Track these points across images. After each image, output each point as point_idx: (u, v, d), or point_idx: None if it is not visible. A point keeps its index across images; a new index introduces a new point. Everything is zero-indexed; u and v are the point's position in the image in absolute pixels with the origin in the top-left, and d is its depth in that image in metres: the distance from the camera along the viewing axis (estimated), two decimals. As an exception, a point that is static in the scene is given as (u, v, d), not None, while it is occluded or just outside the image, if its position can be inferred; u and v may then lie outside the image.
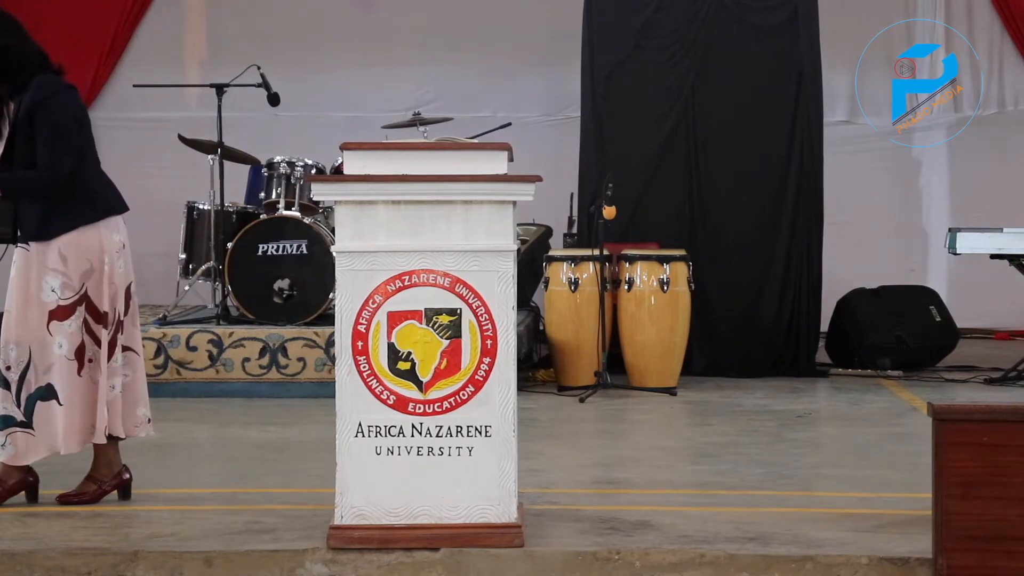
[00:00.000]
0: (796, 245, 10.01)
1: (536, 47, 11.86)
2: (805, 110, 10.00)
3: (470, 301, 5.09)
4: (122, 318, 5.87)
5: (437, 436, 5.08)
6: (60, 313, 5.74)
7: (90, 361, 5.79)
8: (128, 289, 5.91)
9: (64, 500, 5.87)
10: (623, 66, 10.08)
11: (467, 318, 5.09)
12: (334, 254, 5.14)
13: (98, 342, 5.79)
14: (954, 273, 11.76)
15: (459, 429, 5.08)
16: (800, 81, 9.98)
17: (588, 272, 9.30)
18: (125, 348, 5.90)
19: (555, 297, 9.43)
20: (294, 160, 9.61)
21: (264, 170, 9.68)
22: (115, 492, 5.95)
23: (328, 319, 8.50)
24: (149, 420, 6.00)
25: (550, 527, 5.41)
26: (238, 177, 9.93)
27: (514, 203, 5.13)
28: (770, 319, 9.97)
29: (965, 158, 11.98)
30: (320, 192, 5.73)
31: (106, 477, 5.92)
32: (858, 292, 10.44)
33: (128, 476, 5.97)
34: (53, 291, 5.74)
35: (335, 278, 5.14)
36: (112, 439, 5.88)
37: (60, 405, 5.75)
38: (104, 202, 5.86)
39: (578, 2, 10.19)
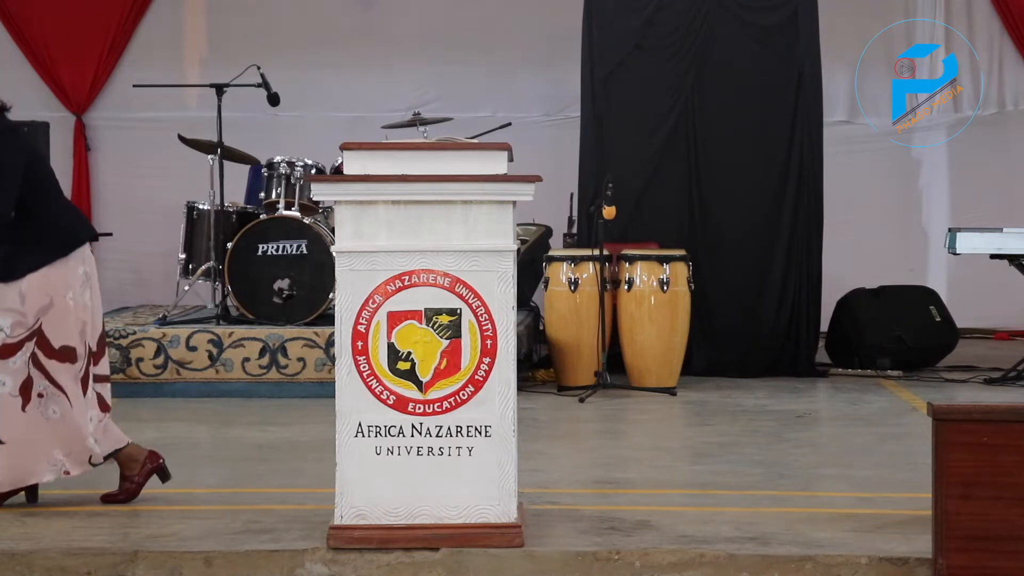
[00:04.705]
0: (796, 245, 10.00)
1: (536, 47, 11.85)
2: (805, 110, 9.99)
3: (470, 301, 5.09)
4: (94, 349, 5.77)
5: (437, 436, 5.08)
6: (4, 352, 5.61)
7: (40, 396, 5.65)
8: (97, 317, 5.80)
9: (107, 499, 5.88)
10: (623, 66, 10.07)
11: (467, 318, 5.09)
12: (334, 254, 5.14)
13: (50, 376, 5.64)
14: (954, 273, 11.75)
15: (459, 429, 5.08)
16: (800, 81, 9.98)
17: (588, 272, 9.30)
18: (101, 378, 5.82)
19: (555, 297, 9.42)
20: (294, 160, 9.61)
21: (264, 170, 9.69)
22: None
23: (328, 319, 8.50)
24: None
25: (550, 527, 5.41)
26: (238, 177, 9.93)
27: (514, 203, 5.13)
28: (770, 319, 9.96)
29: (965, 158, 11.97)
30: (320, 192, 5.72)
31: (135, 471, 5.91)
32: (858, 292, 10.43)
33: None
34: (1, 331, 5.61)
35: (335, 278, 5.14)
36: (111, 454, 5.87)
37: (2, 444, 5.65)
38: (70, 236, 5.72)
39: (578, 2, 10.18)
